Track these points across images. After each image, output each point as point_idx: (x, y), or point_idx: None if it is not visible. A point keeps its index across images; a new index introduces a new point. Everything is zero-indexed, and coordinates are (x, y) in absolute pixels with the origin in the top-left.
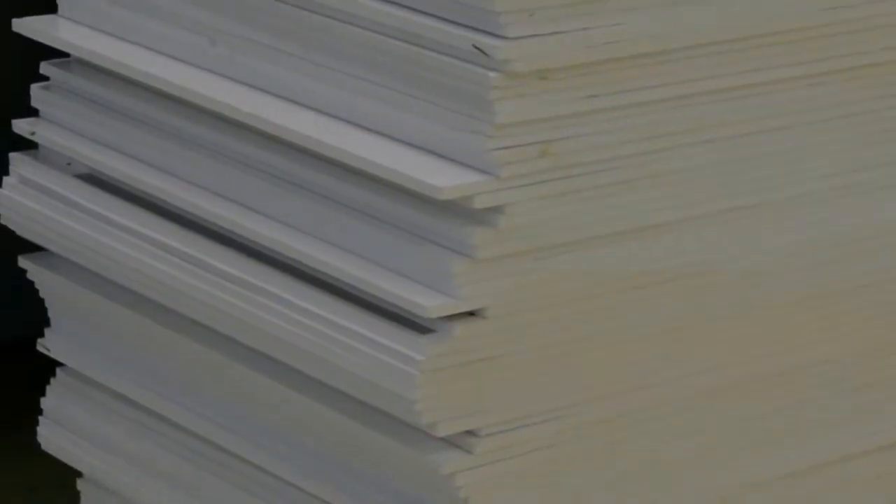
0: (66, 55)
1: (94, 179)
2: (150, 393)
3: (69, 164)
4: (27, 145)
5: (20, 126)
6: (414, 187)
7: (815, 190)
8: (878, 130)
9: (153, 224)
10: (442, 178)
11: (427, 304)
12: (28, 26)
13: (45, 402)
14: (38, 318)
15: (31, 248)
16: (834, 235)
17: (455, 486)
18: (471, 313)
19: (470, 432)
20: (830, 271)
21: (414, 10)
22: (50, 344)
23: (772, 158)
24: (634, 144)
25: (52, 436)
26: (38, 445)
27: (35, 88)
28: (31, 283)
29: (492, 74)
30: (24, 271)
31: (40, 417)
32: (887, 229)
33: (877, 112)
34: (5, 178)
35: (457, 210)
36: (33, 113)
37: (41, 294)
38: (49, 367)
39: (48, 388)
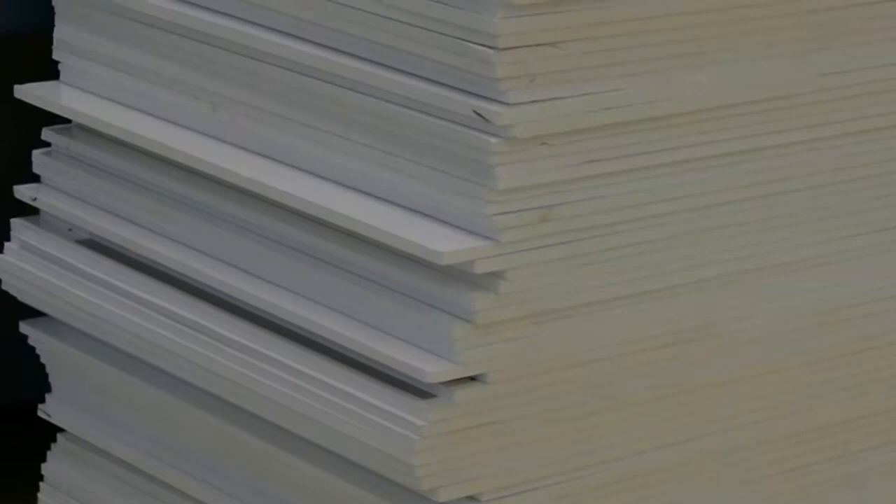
0: (68, 121)
1: (96, 245)
2: (151, 459)
3: (71, 229)
4: (29, 211)
5: (22, 192)
6: (415, 252)
7: (814, 255)
8: (876, 196)
9: (155, 289)
10: (442, 243)
11: (428, 369)
12: (30, 92)
13: (45, 468)
14: (38, 383)
15: (32, 313)
16: (832, 300)
17: None
18: (471, 378)
19: (471, 497)
20: (829, 335)
21: (414, 75)
22: (51, 409)
23: (770, 223)
24: (635, 210)
25: (54, 502)
26: None
27: (37, 154)
28: (32, 349)
29: (492, 140)
30: (24, 337)
31: (41, 483)
32: (887, 294)
33: (874, 178)
34: (7, 244)
35: (457, 275)
36: (35, 179)
37: (42, 359)
38: (50, 432)
39: (49, 453)
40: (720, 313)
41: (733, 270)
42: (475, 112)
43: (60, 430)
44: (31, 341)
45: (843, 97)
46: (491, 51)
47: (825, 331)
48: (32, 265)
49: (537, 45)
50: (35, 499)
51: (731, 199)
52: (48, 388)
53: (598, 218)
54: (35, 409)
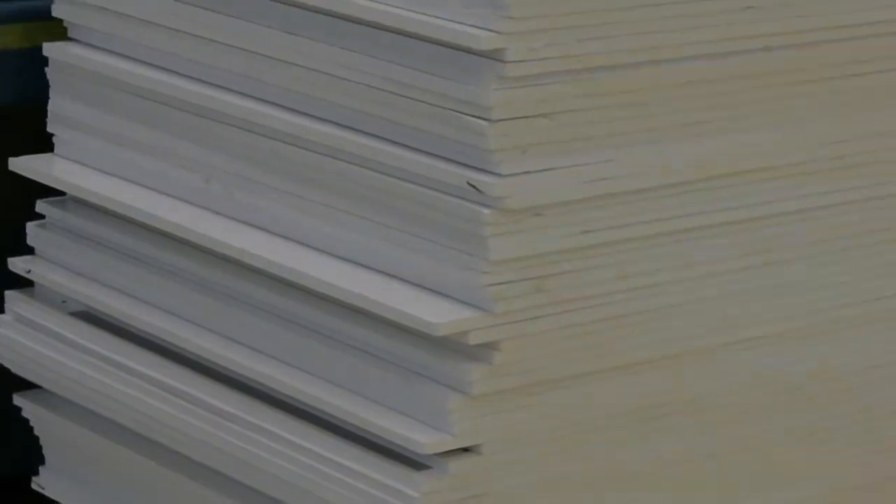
0: (62, 193)
1: (90, 317)
2: None
3: (65, 301)
4: (23, 283)
5: (16, 264)
6: (409, 323)
7: (812, 324)
8: (878, 265)
9: (149, 361)
10: (437, 315)
11: (423, 440)
12: (24, 165)
13: None
14: (32, 456)
15: (26, 385)
16: (826, 370)
17: None
18: (466, 449)
19: None
20: (824, 406)
21: (408, 147)
22: (45, 482)
23: (768, 292)
24: (629, 280)
25: None
26: None
27: (31, 227)
28: (26, 421)
29: (486, 211)
30: (18, 409)
31: None
32: (884, 363)
33: (869, 247)
34: (1, 317)
35: (452, 346)
36: (29, 251)
37: (36, 432)
38: None
39: None
40: (714, 384)
41: (727, 341)
42: (469, 183)
43: (55, 503)
44: (25, 413)
45: (838, 167)
46: (484, 122)
47: (818, 402)
48: (26, 337)
49: (530, 116)
50: None
51: (727, 268)
52: (42, 461)
53: (592, 288)
54: (29, 481)
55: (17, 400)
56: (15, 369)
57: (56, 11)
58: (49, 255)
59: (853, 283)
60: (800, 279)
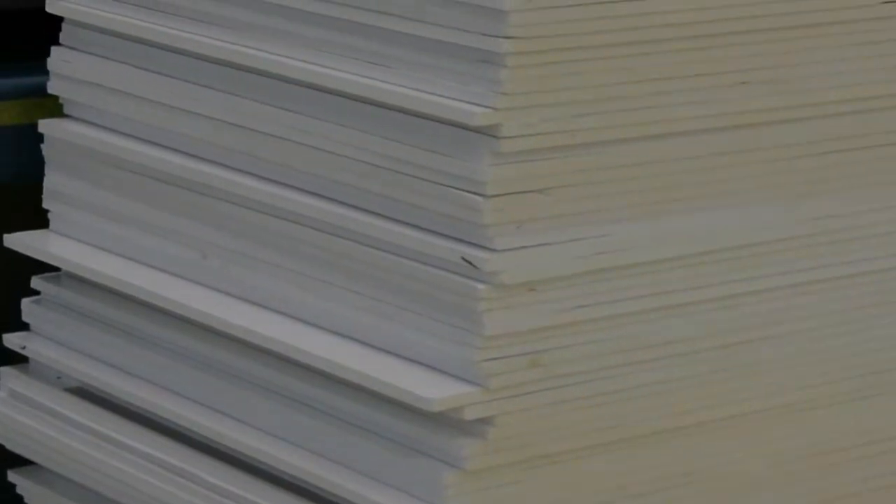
0: (58, 269)
1: (85, 393)
2: None
3: (60, 377)
4: (18, 359)
5: (11, 340)
6: (404, 399)
7: (805, 399)
8: (868, 339)
9: (144, 438)
10: (432, 390)
11: None
12: (19, 241)
13: None
14: None
15: (21, 462)
16: (823, 443)
17: None
18: None
19: None
20: (822, 479)
21: (403, 222)
22: None
23: (763, 367)
24: (624, 354)
25: None
26: None
27: (26, 303)
28: (20, 498)
29: (480, 286)
30: (13, 486)
31: None
32: (879, 436)
33: (866, 321)
34: None
35: (447, 421)
36: (24, 327)
37: None
38: None
39: None
40: (709, 459)
41: (723, 415)
42: (464, 258)
43: None
44: (19, 490)
45: (832, 241)
46: (479, 198)
47: (816, 475)
48: (21, 414)
49: (525, 191)
50: None
51: (722, 343)
52: None
53: (587, 363)
54: None
55: (12, 477)
56: (9, 445)
57: (52, 88)
58: (44, 331)
59: (849, 357)
60: (796, 353)
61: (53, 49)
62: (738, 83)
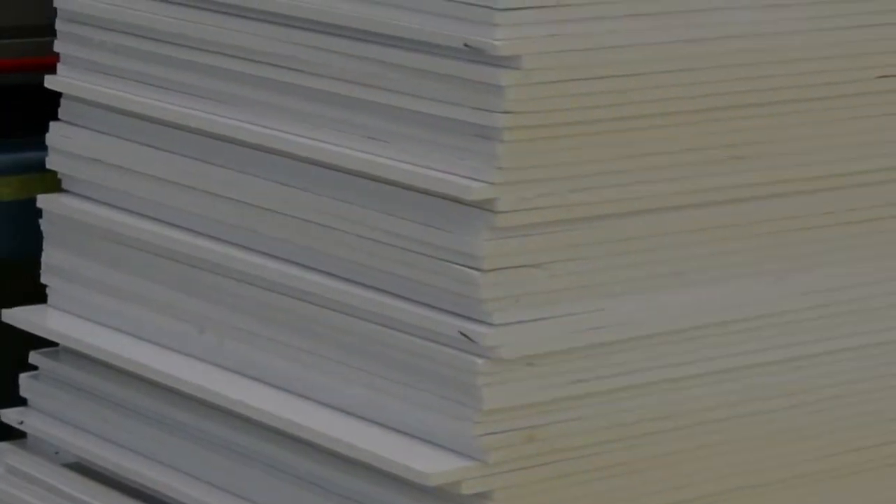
0: (55, 344)
1: (83, 468)
2: None
3: (57, 452)
4: (15, 435)
5: (8, 416)
6: (402, 473)
7: (807, 472)
8: (868, 412)
9: None
10: (429, 464)
11: None
12: (17, 316)
13: None
14: None
15: None
16: None
17: None
18: None
19: None
20: None
21: (400, 297)
22: None
23: (763, 441)
24: (621, 429)
25: None
26: None
27: (24, 378)
28: None
29: (478, 361)
30: None
31: None
32: None
33: (867, 394)
34: None
35: (445, 496)
36: (22, 402)
37: None
38: None
39: None
40: None
41: (724, 489)
42: (461, 333)
43: None
44: None
45: (823, 316)
46: (476, 272)
47: None
48: (19, 489)
49: (522, 266)
50: None
51: (716, 417)
52: None
53: (585, 438)
54: None
55: None
56: None
57: (51, 163)
58: (42, 406)
59: (848, 431)
60: (795, 426)
61: (52, 124)
62: (731, 158)
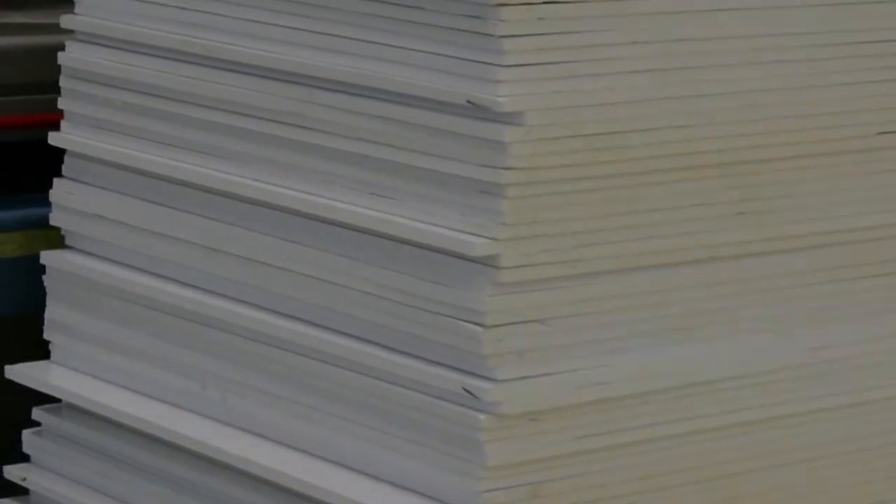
0: (58, 400)
1: None
2: None
3: None
4: (18, 491)
5: (11, 472)
6: None
7: None
8: (877, 468)
9: None
10: None
11: None
12: (20, 372)
13: None
14: None
15: None
16: None
17: None
18: None
19: None
20: None
21: (404, 353)
22: None
23: (769, 496)
24: (625, 485)
25: None
26: None
27: (26, 434)
28: None
29: (482, 417)
30: None
31: None
32: None
33: (876, 449)
34: None
35: None
36: (25, 458)
37: None
38: None
39: None
40: None
41: None
42: (464, 389)
43: None
44: None
45: (830, 371)
46: (479, 328)
47: None
48: None
49: (525, 322)
50: None
51: (722, 473)
52: None
53: (588, 494)
54: None
55: None
56: None
57: (54, 220)
58: (45, 462)
59: (854, 487)
60: (798, 482)
61: (56, 181)
62: (735, 214)
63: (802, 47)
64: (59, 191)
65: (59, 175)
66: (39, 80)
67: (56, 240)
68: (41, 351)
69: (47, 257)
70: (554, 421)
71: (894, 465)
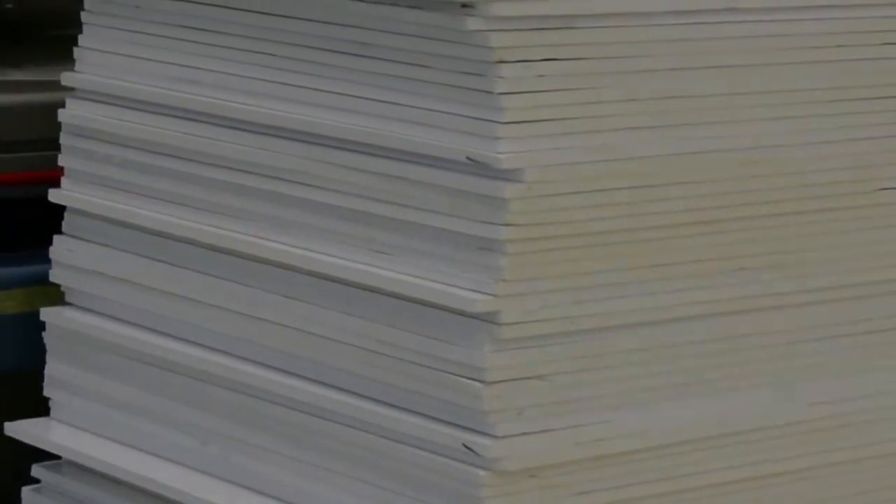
0: (58, 457)
1: None
2: None
3: None
4: None
5: None
6: None
7: None
8: None
9: None
10: None
11: None
12: (20, 429)
13: None
14: None
15: None
16: None
17: None
18: None
19: None
20: None
21: (404, 409)
22: None
23: None
24: None
25: None
26: None
27: (26, 491)
28: None
29: (482, 473)
30: None
31: None
32: None
33: None
34: None
35: None
36: None
37: None
38: None
39: None
40: None
41: None
42: (464, 445)
43: None
44: None
45: (831, 427)
46: (479, 384)
47: None
48: None
49: (525, 378)
50: None
51: None
52: None
53: None
54: None
55: None
56: None
57: (54, 277)
58: None
59: None
60: None
61: (56, 238)
62: (736, 269)
63: (801, 104)
64: (59, 248)
65: (59, 232)
66: (40, 137)
67: (56, 296)
68: (41, 408)
69: (47, 314)
70: (554, 477)
71: None
